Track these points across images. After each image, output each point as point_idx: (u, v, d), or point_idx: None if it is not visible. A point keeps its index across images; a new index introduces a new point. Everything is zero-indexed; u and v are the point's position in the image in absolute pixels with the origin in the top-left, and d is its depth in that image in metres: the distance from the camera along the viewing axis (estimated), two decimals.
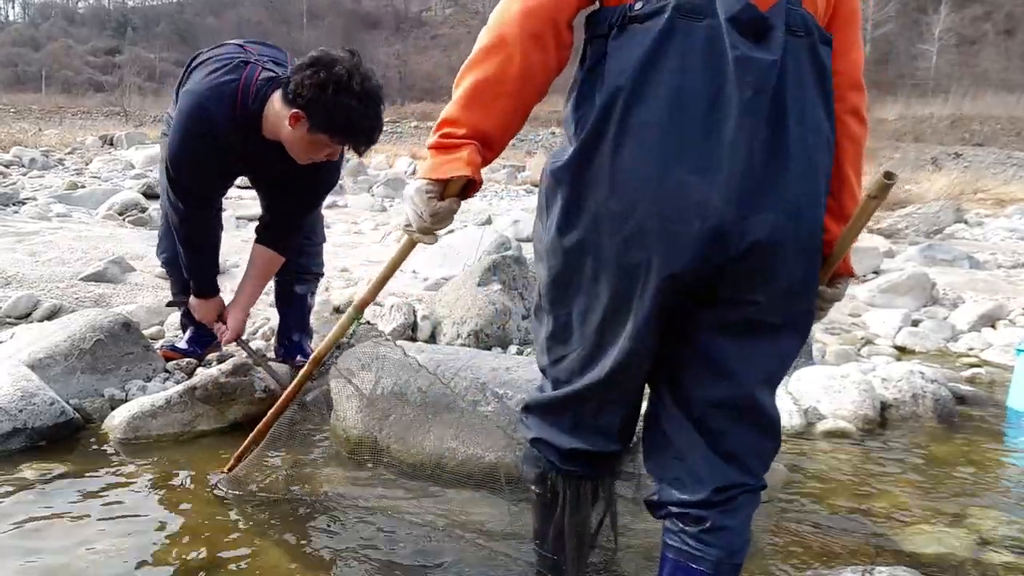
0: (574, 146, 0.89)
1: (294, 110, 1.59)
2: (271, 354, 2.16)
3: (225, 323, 1.89)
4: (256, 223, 1.97)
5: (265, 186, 1.88)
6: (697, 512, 0.95)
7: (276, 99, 1.65)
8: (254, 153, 1.72)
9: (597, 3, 0.91)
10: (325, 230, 2.31)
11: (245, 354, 1.93)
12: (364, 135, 1.63)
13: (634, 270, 0.87)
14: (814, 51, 0.86)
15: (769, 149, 0.83)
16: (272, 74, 1.70)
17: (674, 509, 0.98)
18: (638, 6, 0.85)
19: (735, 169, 0.82)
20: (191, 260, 1.83)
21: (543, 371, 1.06)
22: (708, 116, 0.82)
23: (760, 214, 0.83)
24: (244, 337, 1.98)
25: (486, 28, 0.90)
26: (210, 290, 1.88)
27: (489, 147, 0.92)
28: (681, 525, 0.97)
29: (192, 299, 1.89)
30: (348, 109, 1.56)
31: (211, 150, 1.67)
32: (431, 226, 0.94)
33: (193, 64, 1.80)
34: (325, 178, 1.86)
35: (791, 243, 0.87)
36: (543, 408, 1.06)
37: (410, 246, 1.09)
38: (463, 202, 0.96)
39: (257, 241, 1.90)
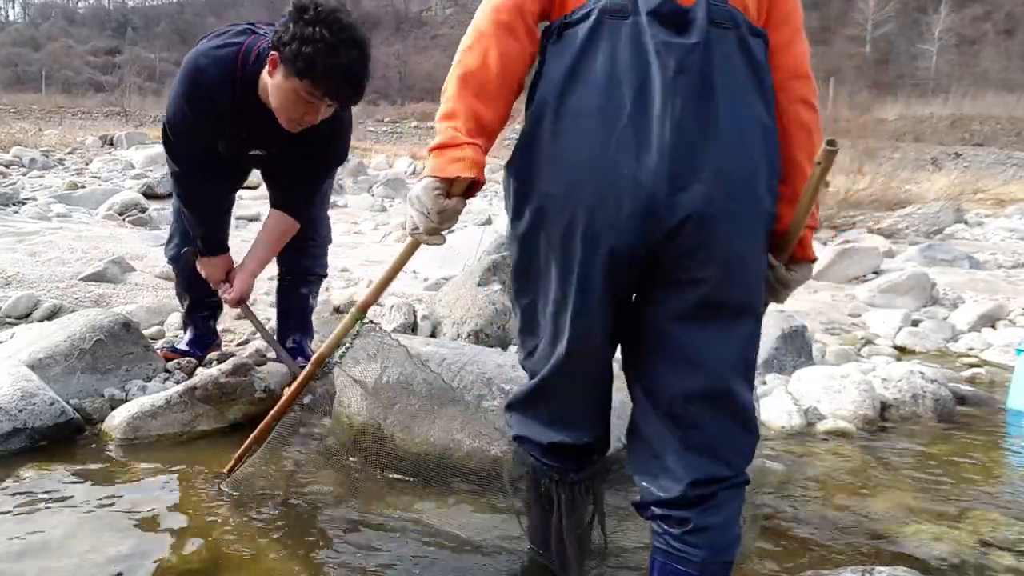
0: (519, 139, 0.95)
1: (271, 54, 1.52)
2: (271, 354, 2.16)
3: (232, 284, 1.86)
4: (255, 223, 1.97)
5: (272, 156, 1.84)
6: (679, 513, 0.96)
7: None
8: (253, 119, 1.67)
9: (547, 20, 0.97)
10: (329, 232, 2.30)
11: (247, 319, 1.90)
12: (341, 76, 1.47)
13: (578, 249, 0.91)
14: (743, 42, 0.92)
15: (698, 126, 0.88)
16: None
17: (657, 511, 0.98)
18: (572, 14, 0.93)
19: (663, 145, 0.87)
20: (193, 218, 1.81)
21: (523, 367, 1.08)
22: (637, 100, 0.88)
23: (691, 186, 0.88)
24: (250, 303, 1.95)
25: (466, 34, 0.96)
26: (215, 248, 1.84)
27: (485, 132, 0.94)
28: (665, 527, 0.98)
29: (200, 258, 1.87)
30: (314, 43, 1.42)
31: (206, 111, 1.64)
32: (438, 225, 0.94)
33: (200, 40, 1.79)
34: (331, 147, 1.80)
35: (726, 215, 0.89)
36: (522, 403, 1.09)
37: (413, 248, 1.09)
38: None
39: (272, 206, 1.88)
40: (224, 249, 1.87)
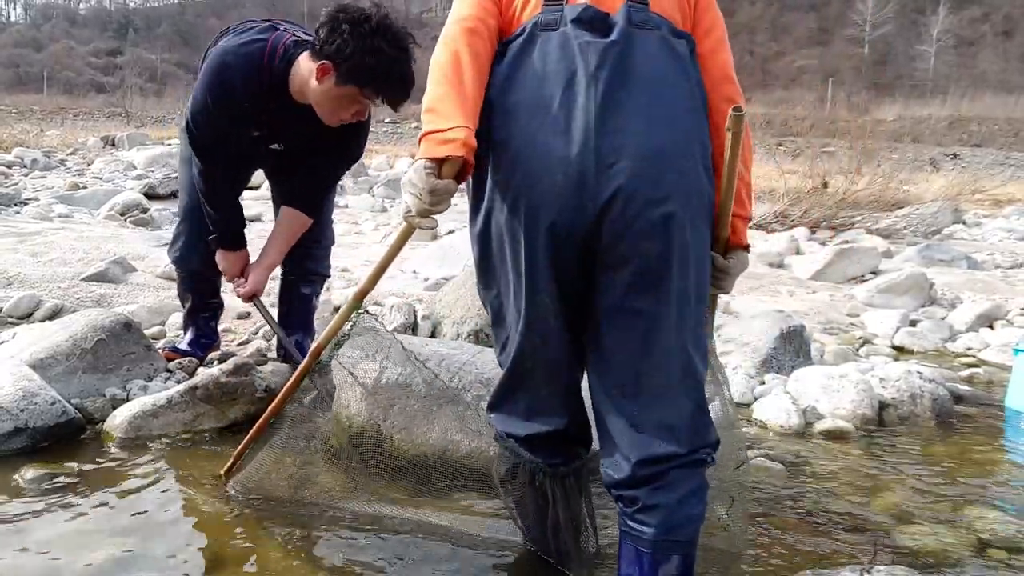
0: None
1: (321, 62, 1.56)
2: (272, 355, 2.17)
3: (246, 279, 1.89)
4: (256, 223, 1.98)
5: (290, 150, 1.86)
6: (629, 492, 1.00)
7: (304, 58, 1.65)
8: (278, 115, 1.71)
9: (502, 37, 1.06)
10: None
11: (259, 312, 1.93)
12: (396, 82, 1.56)
13: (521, 228, 0.97)
14: (665, 41, 1.01)
15: (621, 109, 0.96)
16: (301, 39, 1.70)
17: (614, 492, 1.03)
18: (513, 34, 1.04)
19: (588, 128, 0.95)
20: (213, 214, 1.83)
21: (499, 363, 1.12)
22: (565, 92, 0.97)
23: (617, 164, 0.95)
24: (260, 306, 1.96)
25: (436, 46, 1.04)
26: (233, 243, 1.87)
27: (469, 115, 0.98)
28: (622, 506, 1.02)
29: (217, 252, 1.89)
30: (377, 55, 1.50)
31: (232, 107, 1.66)
32: (430, 207, 0.98)
33: (220, 35, 1.80)
34: (351, 144, 1.85)
35: (656, 189, 0.95)
36: (500, 398, 1.13)
37: (407, 233, 1.11)
38: (456, 199, 1.04)
39: (284, 203, 1.90)
40: (243, 244, 1.89)
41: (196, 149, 1.73)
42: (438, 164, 0.96)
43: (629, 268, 0.96)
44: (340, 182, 2.05)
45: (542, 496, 1.14)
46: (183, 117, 1.99)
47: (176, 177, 7.37)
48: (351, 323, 1.31)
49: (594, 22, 1.00)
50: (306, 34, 1.75)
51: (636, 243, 0.95)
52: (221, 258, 1.89)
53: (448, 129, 0.95)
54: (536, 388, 1.08)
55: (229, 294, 2.02)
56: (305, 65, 1.64)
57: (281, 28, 1.73)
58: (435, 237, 4.39)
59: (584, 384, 1.11)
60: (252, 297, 1.90)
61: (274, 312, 2.19)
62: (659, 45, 1.00)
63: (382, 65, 1.52)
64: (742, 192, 1.08)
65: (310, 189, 1.89)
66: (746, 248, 1.12)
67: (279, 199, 1.98)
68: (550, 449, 1.12)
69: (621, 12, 1.00)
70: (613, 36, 0.98)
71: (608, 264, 0.98)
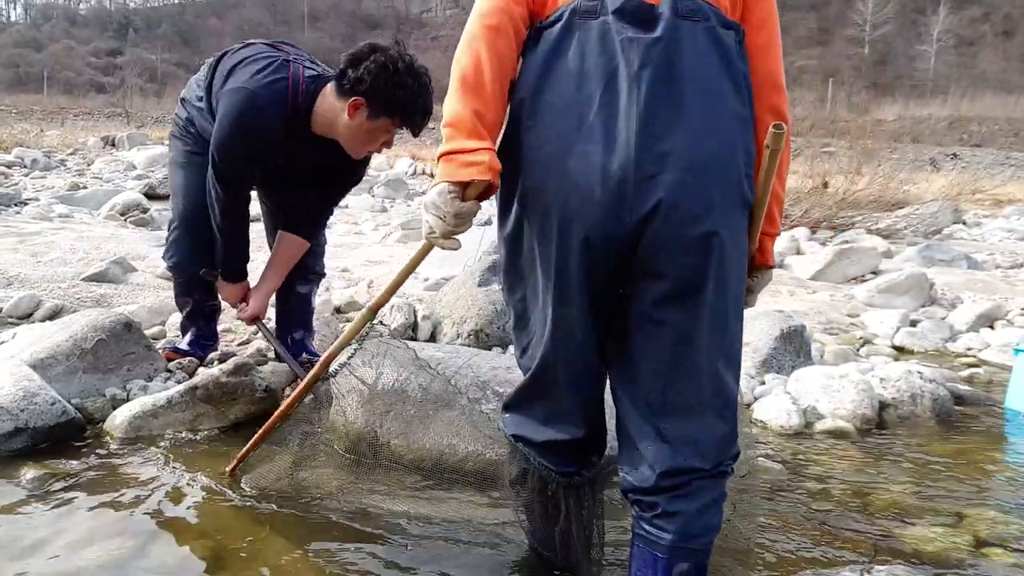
0: (500, 140, 0.99)
1: (353, 99, 1.66)
2: (271, 355, 2.17)
3: (248, 304, 1.95)
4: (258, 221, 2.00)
5: (298, 179, 1.92)
6: (649, 498, 0.98)
7: (328, 94, 1.72)
8: (298, 148, 1.79)
9: (533, 20, 1.00)
10: (326, 232, 2.33)
11: (261, 335, 1.99)
12: (421, 113, 1.71)
13: (554, 238, 0.94)
14: (713, 33, 0.94)
15: (665, 116, 0.90)
16: (314, 72, 1.77)
17: (632, 496, 1.02)
18: (547, 18, 0.97)
19: (629, 135, 0.90)
20: (226, 245, 1.88)
21: (519, 365, 1.10)
22: (605, 93, 0.92)
23: (661, 175, 0.89)
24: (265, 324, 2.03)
25: (460, 40, 0.99)
26: (238, 276, 1.94)
27: (490, 133, 0.96)
28: (639, 511, 1.01)
29: (220, 281, 1.96)
30: (406, 89, 1.65)
31: (262, 145, 1.72)
32: (454, 228, 0.96)
33: (227, 64, 1.81)
34: (357, 171, 1.96)
35: (700, 201, 0.90)
36: (518, 402, 1.11)
37: (426, 252, 1.11)
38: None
39: (283, 228, 1.96)
40: (242, 277, 1.96)
41: (221, 181, 1.77)
42: (462, 187, 0.93)
43: (664, 281, 0.93)
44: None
45: (554, 506, 1.12)
46: (177, 126, 2.00)
47: None
48: (363, 334, 1.31)
49: (638, 14, 0.92)
50: (311, 61, 1.83)
51: (674, 257, 0.91)
52: (224, 288, 1.96)
53: (472, 151, 0.92)
54: (558, 397, 1.05)
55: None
56: (331, 102, 1.72)
57: (291, 58, 1.78)
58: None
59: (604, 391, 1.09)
60: (254, 320, 1.96)
61: (271, 313, 2.19)
62: (706, 39, 0.92)
63: (410, 99, 1.67)
64: (774, 209, 1.03)
65: (313, 216, 1.98)
66: (771, 267, 1.09)
67: (276, 223, 2.01)
68: (564, 456, 1.10)
69: (667, 1, 0.92)
70: (658, 32, 0.91)
71: (642, 275, 0.94)
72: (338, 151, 1.79)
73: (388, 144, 1.79)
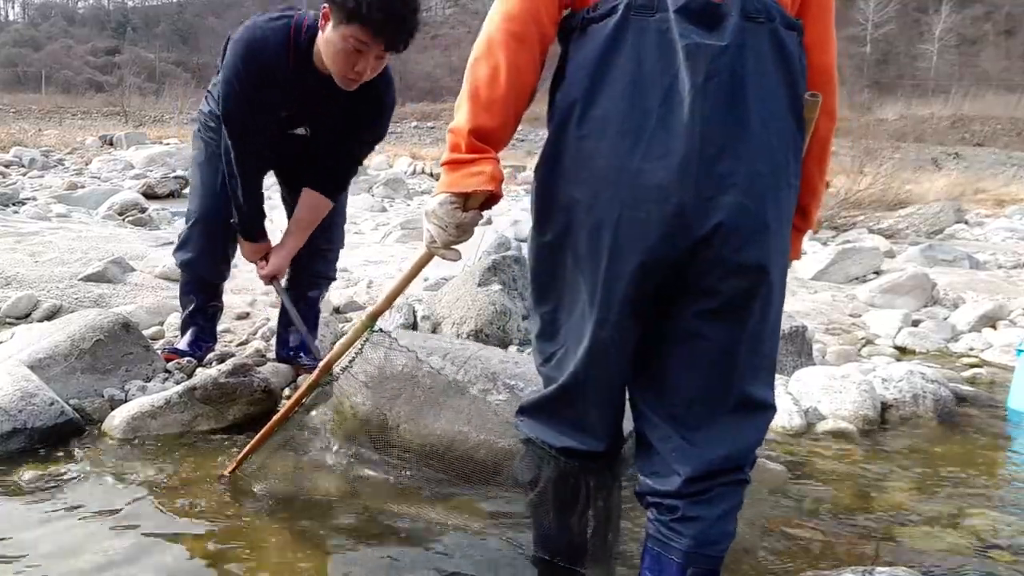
0: (545, 144, 0.95)
1: (323, 7, 1.60)
2: (271, 355, 2.16)
3: (267, 261, 1.93)
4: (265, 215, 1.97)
5: (316, 133, 1.87)
6: (670, 502, 0.97)
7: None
8: (304, 93, 1.73)
9: (569, 8, 0.94)
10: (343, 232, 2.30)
11: (276, 294, 2.00)
12: (390, 14, 1.52)
13: (604, 259, 0.90)
14: (776, 36, 0.87)
15: (728, 132, 0.85)
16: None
17: (650, 499, 1.00)
18: (596, 8, 0.89)
19: (691, 153, 0.84)
20: (243, 205, 1.85)
21: (539, 372, 1.08)
22: (664, 104, 0.85)
23: (721, 196, 0.85)
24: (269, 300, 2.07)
25: (477, 39, 0.94)
26: (256, 235, 1.91)
27: (496, 145, 0.94)
28: (656, 514, 1.00)
29: (240, 239, 1.94)
30: None
31: (264, 80, 1.68)
32: (456, 238, 0.95)
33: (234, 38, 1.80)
34: (374, 123, 1.86)
35: (758, 222, 0.87)
36: (535, 408, 1.08)
37: (427, 259, 1.10)
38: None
39: (306, 185, 1.90)
40: (262, 238, 1.92)
41: (230, 129, 1.74)
42: (463, 197, 0.92)
43: (712, 298, 0.90)
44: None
45: (573, 491, 1.08)
46: (199, 123, 1.99)
47: (174, 177, 7.38)
48: (363, 340, 1.30)
49: (703, 15, 0.84)
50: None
51: (726, 279, 0.88)
52: (243, 246, 1.94)
53: (475, 160, 0.90)
54: (583, 411, 1.03)
55: (229, 295, 2.01)
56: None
57: (301, 10, 1.76)
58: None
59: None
60: (272, 279, 1.95)
61: (274, 312, 2.18)
62: (770, 45, 0.86)
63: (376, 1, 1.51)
64: (810, 203, 0.99)
65: (334, 169, 1.91)
66: (796, 257, 1.06)
67: (293, 195, 1.96)
68: (583, 462, 1.08)
69: (734, 1, 0.85)
70: (725, 39, 0.84)
71: (687, 290, 0.91)
72: (346, 98, 1.72)
73: (362, 64, 1.61)
